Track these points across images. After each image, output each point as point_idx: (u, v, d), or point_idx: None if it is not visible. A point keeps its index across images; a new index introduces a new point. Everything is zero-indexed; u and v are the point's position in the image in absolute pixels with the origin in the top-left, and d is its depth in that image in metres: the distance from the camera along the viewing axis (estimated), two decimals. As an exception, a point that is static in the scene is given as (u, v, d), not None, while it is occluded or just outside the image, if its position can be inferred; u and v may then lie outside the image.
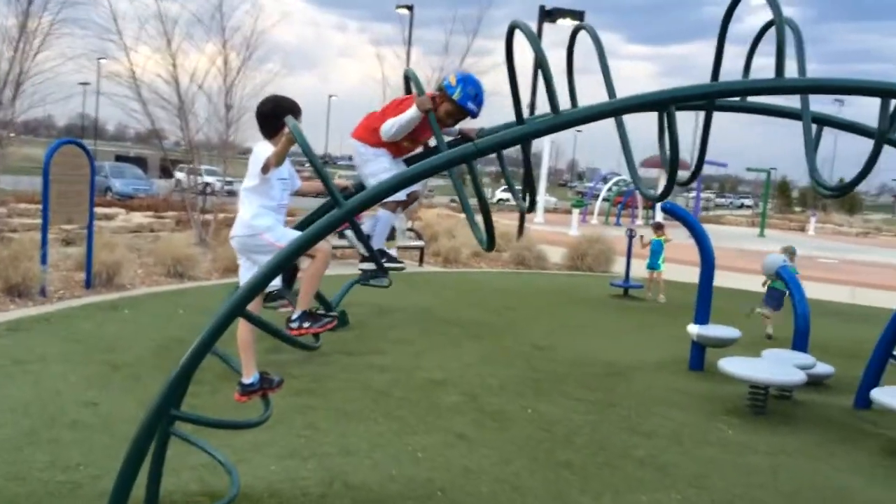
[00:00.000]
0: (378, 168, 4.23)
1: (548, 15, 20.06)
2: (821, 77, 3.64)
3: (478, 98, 4.24)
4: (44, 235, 9.78)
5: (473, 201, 3.87)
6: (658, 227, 13.93)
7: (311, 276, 3.88)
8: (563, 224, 27.99)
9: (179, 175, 24.29)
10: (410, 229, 15.89)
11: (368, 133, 4.33)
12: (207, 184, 18.58)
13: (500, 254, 17.68)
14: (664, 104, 3.49)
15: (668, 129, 3.54)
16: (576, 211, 27.87)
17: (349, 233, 4.34)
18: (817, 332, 8.63)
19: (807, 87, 3.63)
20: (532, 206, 4.52)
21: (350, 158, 4.02)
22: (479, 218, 3.77)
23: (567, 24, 20.31)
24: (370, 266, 4.39)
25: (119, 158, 46.94)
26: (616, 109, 3.52)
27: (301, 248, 3.47)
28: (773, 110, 4.50)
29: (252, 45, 16.16)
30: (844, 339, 10.50)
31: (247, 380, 3.98)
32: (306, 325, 3.97)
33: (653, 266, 13.36)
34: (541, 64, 3.51)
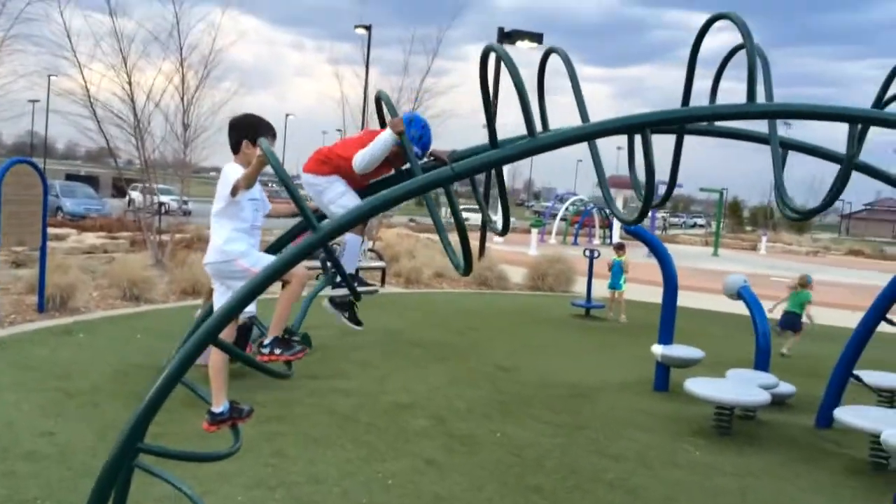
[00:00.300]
0: (335, 194, 4.13)
1: (507, 37, 20.24)
2: (791, 102, 3.70)
3: (423, 140, 4.14)
4: (-6, 258, 9.48)
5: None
6: (619, 248, 14.05)
7: (286, 301, 3.77)
8: (523, 244, 28.12)
9: (134, 194, 23.79)
10: (371, 250, 15.80)
11: (319, 165, 4.23)
12: (162, 203, 18.24)
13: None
14: (640, 128, 3.50)
15: (644, 153, 3.55)
16: (535, 231, 28.04)
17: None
18: (777, 351, 8.75)
19: (777, 112, 3.68)
20: (507, 229, 4.50)
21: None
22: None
23: (526, 45, 20.51)
24: (342, 291, 4.29)
25: (70, 177, 46.00)
26: (593, 133, 3.52)
27: (276, 274, 3.38)
28: (741, 134, 4.57)
29: (210, 64, 16.02)
30: (803, 357, 10.67)
31: (217, 409, 3.84)
32: (277, 351, 3.86)
33: (614, 286, 13.46)
34: (518, 87, 3.50)
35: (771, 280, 22.26)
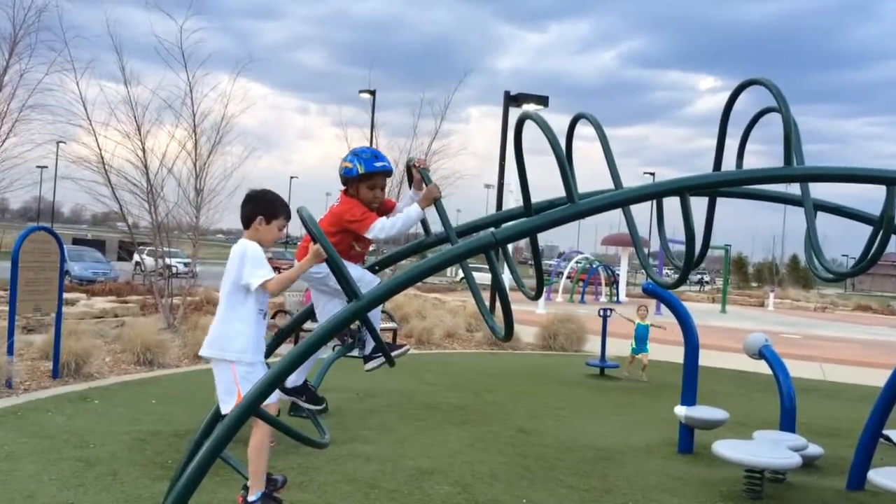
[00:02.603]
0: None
1: (513, 100, 20.62)
2: (827, 166, 3.72)
3: (378, 156, 4.30)
4: (11, 325, 9.45)
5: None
6: (642, 310, 13.86)
7: (259, 450, 3.68)
8: (530, 302, 28.05)
9: (146, 258, 23.76)
10: (383, 311, 15.74)
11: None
12: (169, 266, 18.23)
13: (472, 334, 17.59)
14: (679, 192, 3.52)
15: (683, 216, 3.55)
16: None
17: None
18: (797, 411, 8.60)
19: (816, 176, 3.71)
20: (540, 293, 4.49)
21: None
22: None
23: (532, 108, 20.82)
24: (376, 363, 4.22)
25: (76, 241, 46.28)
26: (634, 198, 3.54)
27: (318, 344, 3.36)
28: (771, 196, 4.59)
29: (222, 130, 16.27)
30: (823, 416, 10.52)
31: (252, 497, 3.72)
32: None
33: (640, 350, 13.30)
34: (557, 154, 3.53)
35: (782, 337, 22.14)
